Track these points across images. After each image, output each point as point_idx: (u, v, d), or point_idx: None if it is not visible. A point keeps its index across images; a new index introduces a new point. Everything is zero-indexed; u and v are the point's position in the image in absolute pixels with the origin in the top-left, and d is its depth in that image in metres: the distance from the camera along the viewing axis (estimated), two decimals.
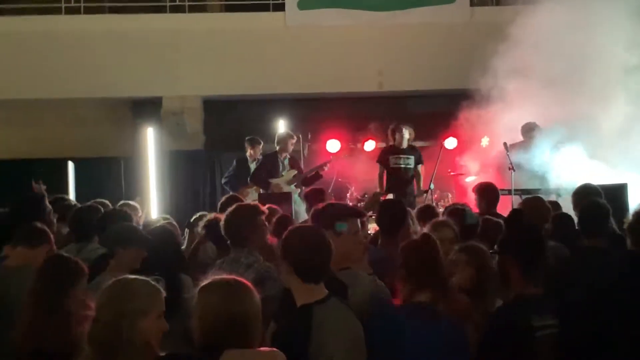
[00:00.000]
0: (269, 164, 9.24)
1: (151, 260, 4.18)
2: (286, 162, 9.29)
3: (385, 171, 9.30)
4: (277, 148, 9.33)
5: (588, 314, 3.41)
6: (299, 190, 9.03)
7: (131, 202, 6.79)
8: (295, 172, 9.24)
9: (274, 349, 2.75)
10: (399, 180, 8.84)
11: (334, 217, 3.64)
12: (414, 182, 9.33)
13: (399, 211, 4.88)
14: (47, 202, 5.42)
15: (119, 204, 6.59)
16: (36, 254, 4.25)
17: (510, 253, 3.48)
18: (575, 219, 5.12)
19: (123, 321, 2.65)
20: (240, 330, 2.64)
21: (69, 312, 3.35)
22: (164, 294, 2.80)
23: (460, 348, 3.33)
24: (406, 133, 9.23)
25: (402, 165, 9.10)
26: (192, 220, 6.01)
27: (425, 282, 3.35)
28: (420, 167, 9.22)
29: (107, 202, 6.28)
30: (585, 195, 5.23)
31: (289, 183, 9.12)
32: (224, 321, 2.63)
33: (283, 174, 9.23)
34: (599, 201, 4.82)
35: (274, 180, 9.08)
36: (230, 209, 4.31)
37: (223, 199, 6.35)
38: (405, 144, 9.25)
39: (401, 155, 9.13)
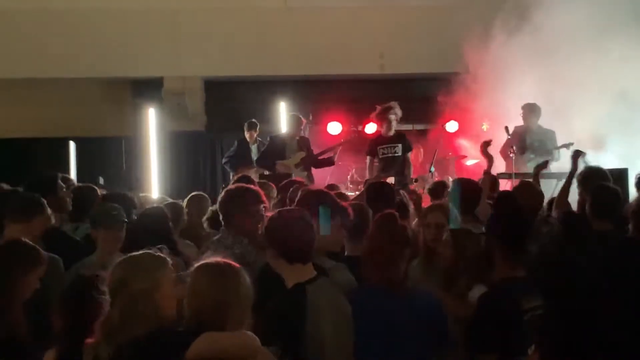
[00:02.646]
0: (275, 146, 9.11)
1: (140, 240, 4.16)
2: (295, 144, 9.11)
3: (373, 162, 9.13)
4: (286, 130, 9.25)
5: (570, 295, 3.40)
6: (306, 173, 8.90)
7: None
8: (304, 154, 9.04)
9: (248, 332, 2.76)
10: (389, 169, 8.76)
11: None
12: (405, 168, 9.16)
13: (388, 192, 4.93)
14: (60, 181, 5.42)
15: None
16: (30, 226, 4.20)
17: (496, 236, 3.48)
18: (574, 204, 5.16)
19: (142, 295, 2.70)
20: (223, 314, 2.68)
21: (13, 299, 3.32)
22: (171, 261, 2.85)
23: (436, 324, 3.41)
24: (392, 119, 9.06)
25: (391, 154, 9.00)
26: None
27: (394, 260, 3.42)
28: (409, 154, 9.09)
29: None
30: (592, 178, 5.19)
31: (297, 166, 8.96)
32: (208, 304, 2.68)
33: (291, 156, 9.10)
34: (609, 185, 4.81)
35: (280, 162, 8.98)
36: (229, 188, 4.30)
37: (235, 177, 6.31)
38: (392, 131, 9.10)
39: (389, 145, 8.99)
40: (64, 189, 5.21)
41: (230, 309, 2.69)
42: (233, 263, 2.81)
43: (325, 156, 9.29)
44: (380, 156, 8.93)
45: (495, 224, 3.56)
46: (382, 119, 8.97)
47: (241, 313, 2.73)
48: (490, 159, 6.05)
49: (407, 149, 9.00)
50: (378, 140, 9.03)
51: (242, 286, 2.75)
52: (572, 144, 8.71)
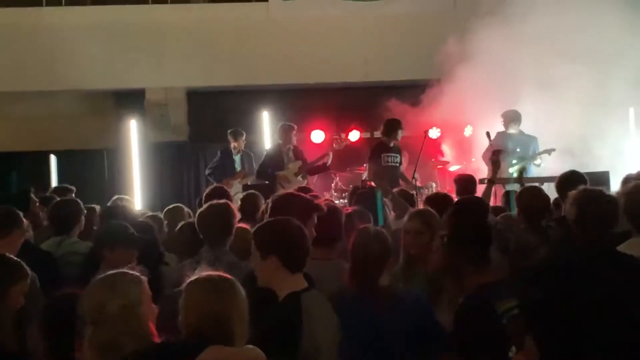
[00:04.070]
0: (273, 157, 9.20)
1: None
2: (290, 154, 9.25)
3: (374, 169, 9.17)
4: (280, 141, 9.29)
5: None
6: (305, 181, 9.02)
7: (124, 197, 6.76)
8: (301, 163, 9.19)
9: (254, 347, 2.75)
10: (390, 177, 8.81)
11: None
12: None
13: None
14: (32, 195, 5.37)
15: (113, 198, 6.57)
16: (8, 240, 4.16)
17: (460, 245, 3.37)
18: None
19: (126, 312, 2.72)
20: (224, 327, 2.66)
21: (2, 313, 3.29)
22: (145, 279, 2.87)
23: (426, 327, 3.44)
24: (399, 134, 9.20)
25: (393, 164, 9.09)
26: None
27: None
28: (401, 167, 9.18)
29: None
30: (571, 183, 5.20)
31: (296, 174, 9.09)
32: (207, 318, 2.66)
33: (289, 166, 9.19)
34: (593, 189, 4.80)
35: (280, 173, 9.05)
36: (212, 206, 4.29)
37: (208, 189, 6.33)
38: (393, 142, 9.19)
39: (391, 154, 9.10)
40: (37, 204, 5.16)
41: (231, 322, 2.68)
42: (227, 275, 2.79)
43: (319, 163, 9.37)
44: (383, 163, 9.00)
45: (457, 234, 3.41)
46: (398, 127, 9.04)
47: (242, 326, 2.71)
48: (496, 168, 6.06)
49: (401, 159, 9.12)
50: (382, 147, 9.09)
51: (240, 299, 2.74)
52: (553, 150, 8.78)
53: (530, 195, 5.02)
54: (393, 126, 9.09)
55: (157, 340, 2.78)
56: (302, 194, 3.93)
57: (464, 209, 3.65)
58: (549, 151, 8.90)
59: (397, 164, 9.08)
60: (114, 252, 4.09)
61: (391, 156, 9.06)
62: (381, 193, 5.47)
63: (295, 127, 9.60)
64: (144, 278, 2.86)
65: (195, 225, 4.27)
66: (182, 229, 4.87)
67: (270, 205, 3.86)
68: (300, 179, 9.05)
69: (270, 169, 9.07)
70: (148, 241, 4.44)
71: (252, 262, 3.31)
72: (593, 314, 3.19)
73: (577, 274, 3.32)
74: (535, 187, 5.34)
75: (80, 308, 2.79)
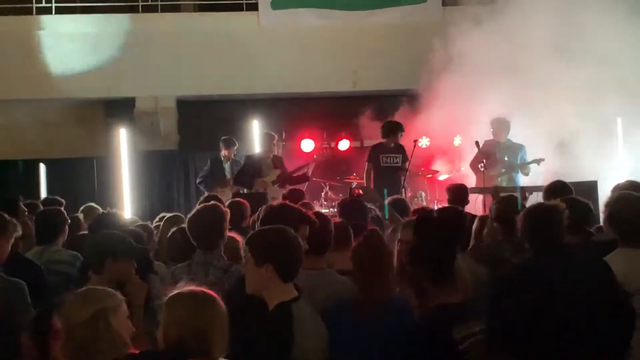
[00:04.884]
0: (253, 165, 9.23)
1: None
2: (269, 162, 9.30)
3: (372, 169, 9.24)
4: (260, 149, 9.32)
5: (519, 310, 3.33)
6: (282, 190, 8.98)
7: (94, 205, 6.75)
8: (279, 171, 9.22)
9: None
10: (390, 178, 8.87)
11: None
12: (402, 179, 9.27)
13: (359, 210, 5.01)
14: (20, 204, 5.36)
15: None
16: None
17: (422, 263, 3.23)
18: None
19: (99, 319, 2.75)
20: (204, 342, 2.69)
21: None
22: (123, 298, 2.91)
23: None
24: (399, 136, 9.25)
25: (393, 164, 9.15)
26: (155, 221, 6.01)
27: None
28: (407, 164, 9.22)
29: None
30: (556, 192, 5.22)
31: (274, 183, 9.13)
32: (188, 333, 2.68)
33: (268, 174, 9.22)
34: (579, 199, 4.81)
35: (258, 180, 9.07)
36: (203, 209, 4.30)
37: (202, 197, 6.31)
38: (393, 143, 9.25)
39: (391, 154, 9.15)
40: (26, 213, 5.15)
41: (211, 337, 2.70)
42: (208, 291, 2.81)
43: (299, 173, 9.35)
44: (382, 164, 9.05)
45: (418, 251, 3.26)
46: (399, 129, 9.07)
47: (222, 340, 2.73)
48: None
49: (405, 159, 9.18)
50: (381, 148, 9.15)
51: (221, 314, 2.76)
52: (542, 159, 8.84)
53: (506, 206, 4.99)
54: (392, 128, 9.16)
55: (132, 350, 2.80)
56: (295, 205, 3.95)
57: (426, 222, 3.49)
58: (537, 161, 8.95)
59: (398, 164, 9.13)
60: (117, 262, 3.92)
61: (390, 157, 9.13)
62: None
63: (276, 136, 9.67)
64: (120, 295, 2.89)
65: (187, 230, 4.25)
66: (173, 235, 4.85)
67: (262, 214, 3.87)
68: (278, 188, 9.04)
69: (249, 176, 9.09)
70: (141, 250, 4.42)
71: (244, 269, 3.30)
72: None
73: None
74: (512, 197, 5.35)
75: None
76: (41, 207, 5.99)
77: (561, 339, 3.30)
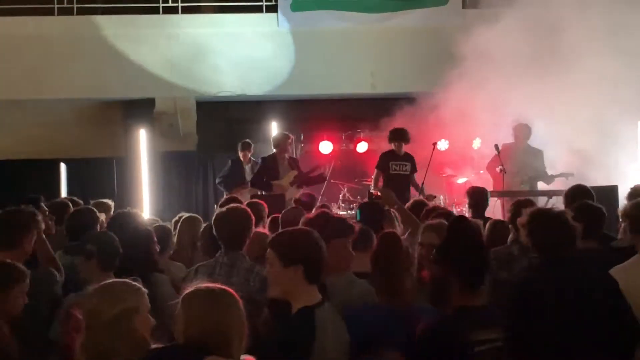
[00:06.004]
0: (269, 166, 9.17)
1: (122, 261, 4.13)
2: (285, 163, 9.23)
3: (381, 176, 9.21)
4: (275, 150, 9.30)
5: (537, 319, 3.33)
6: (299, 190, 8.99)
7: (105, 201, 6.79)
8: (296, 172, 9.17)
9: (252, 357, 2.76)
10: (399, 186, 8.84)
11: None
12: (411, 188, 9.25)
13: (377, 212, 5.00)
14: (42, 204, 5.39)
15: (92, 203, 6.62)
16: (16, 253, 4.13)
17: (452, 263, 3.20)
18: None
19: (122, 320, 2.75)
20: (223, 339, 2.67)
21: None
22: (146, 291, 2.90)
23: None
24: (404, 142, 9.22)
25: (402, 172, 9.12)
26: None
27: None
28: (414, 175, 9.19)
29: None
30: (577, 197, 5.19)
31: (291, 184, 9.06)
32: (208, 330, 2.67)
33: (284, 175, 9.17)
34: (592, 203, 4.78)
35: (275, 182, 9.04)
36: (231, 209, 4.32)
37: (222, 199, 6.32)
38: (402, 151, 9.22)
39: (400, 162, 9.13)
40: (47, 212, 5.19)
41: (230, 334, 2.69)
42: (226, 288, 2.80)
43: (315, 173, 9.35)
44: (391, 172, 9.02)
45: (451, 251, 3.24)
46: (400, 137, 9.05)
47: (240, 337, 2.72)
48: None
49: (414, 168, 9.15)
50: (391, 155, 9.13)
51: (239, 311, 2.74)
52: (572, 174, 8.68)
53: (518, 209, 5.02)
54: (398, 135, 9.12)
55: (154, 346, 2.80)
56: (338, 215, 3.98)
57: (461, 223, 3.47)
58: (566, 175, 8.82)
59: (407, 172, 9.10)
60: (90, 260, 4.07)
61: (400, 164, 9.10)
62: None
63: (292, 137, 9.63)
64: (144, 289, 2.89)
65: (214, 229, 4.26)
66: (204, 232, 4.93)
67: (302, 223, 3.90)
68: (295, 189, 9.00)
69: (265, 177, 9.07)
70: (143, 249, 4.43)
71: (268, 272, 3.26)
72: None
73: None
74: (528, 200, 5.34)
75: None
76: (69, 206, 6.02)
77: (559, 346, 3.30)
